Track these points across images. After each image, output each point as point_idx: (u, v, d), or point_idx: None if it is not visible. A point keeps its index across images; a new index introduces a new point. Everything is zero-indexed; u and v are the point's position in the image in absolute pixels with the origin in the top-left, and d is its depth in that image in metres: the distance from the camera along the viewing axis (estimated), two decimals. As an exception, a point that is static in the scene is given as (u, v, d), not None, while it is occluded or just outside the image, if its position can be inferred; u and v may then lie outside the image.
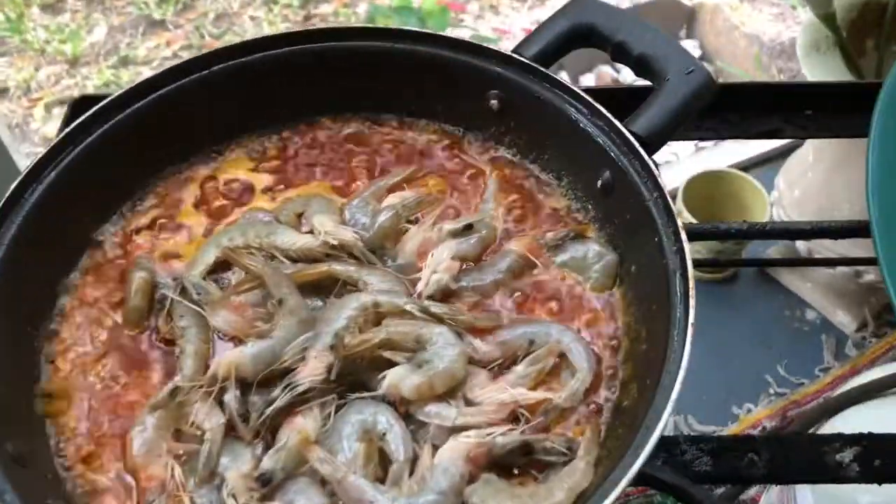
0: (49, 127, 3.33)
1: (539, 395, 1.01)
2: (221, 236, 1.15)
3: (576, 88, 1.16)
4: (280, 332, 1.03)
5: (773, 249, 2.32)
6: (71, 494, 0.95)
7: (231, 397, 1.00)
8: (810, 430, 1.59)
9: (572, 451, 0.96)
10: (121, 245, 1.18)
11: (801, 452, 1.05)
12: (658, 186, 1.05)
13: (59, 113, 3.31)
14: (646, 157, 1.08)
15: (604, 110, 1.13)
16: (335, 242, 1.12)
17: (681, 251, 0.99)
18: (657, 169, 1.07)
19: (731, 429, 2.03)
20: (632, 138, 1.09)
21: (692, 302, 0.95)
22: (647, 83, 1.17)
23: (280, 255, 1.13)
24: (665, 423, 0.87)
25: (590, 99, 1.15)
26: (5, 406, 0.95)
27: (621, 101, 1.16)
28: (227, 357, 1.01)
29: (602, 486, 0.85)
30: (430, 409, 0.99)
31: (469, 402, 1.00)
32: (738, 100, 1.37)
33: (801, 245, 2.24)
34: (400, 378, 0.99)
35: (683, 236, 1.00)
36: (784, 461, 1.06)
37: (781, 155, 2.53)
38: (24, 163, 2.11)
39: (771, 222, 2.10)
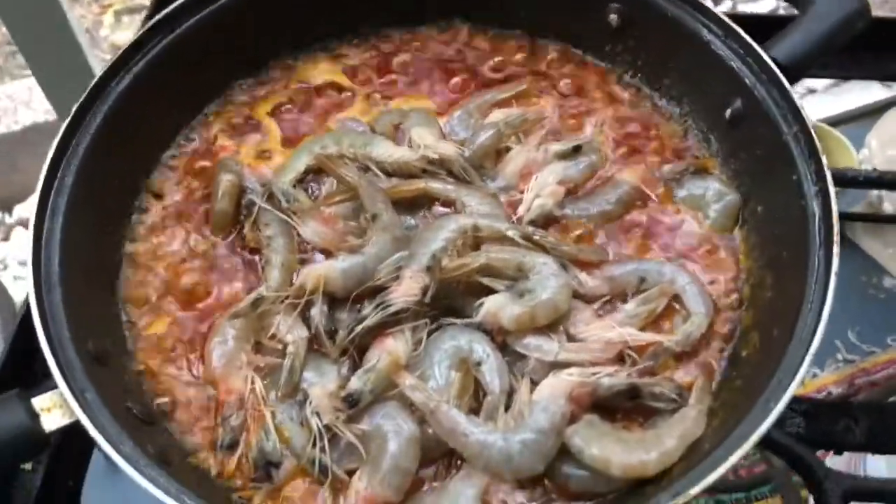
0: (118, 35, 3.29)
1: (649, 336, 0.93)
2: (314, 143, 1.08)
3: (708, 5, 1.05)
4: (373, 249, 0.96)
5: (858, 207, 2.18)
6: (148, 402, 0.91)
7: (317, 311, 0.94)
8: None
9: (682, 399, 0.89)
10: (206, 143, 1.12)
11: (905, 423, 0.96)
12: (800, 119, 0.95)
13: (129, 21, 3.27)
14: (787, 85, 0.97)
15: (740, 31, 1.02)
16: (435, 157, 1.04)
17: (824, 193, 0.89)
18: (799, 100, 0.95)
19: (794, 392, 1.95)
20: (771, 64, 0.98)
21: (836, 249, 0.85)
22: (789, 13, 1.06)
23: (375, 167, 1.05)
24: (801, 379, 0.79)
25: (724, 17, 1.03)
26: (86, 304, 0.90)
27: (760, 27, 1.04)
28: (316, 269, 0.95)
29: (727, 440, 0.77)
30: (529, 341, 0.91)
31: (571, 339, 0.92)
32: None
33: (887, 207, 2.10)
34: (499, 306, 0.91)
35: (828, 176, 0.89)
36: (884, 430, 0.99)
37: (875, 111, 2.36)
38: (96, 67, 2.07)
39: (864, 171, 1.97)
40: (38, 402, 0.79)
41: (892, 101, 2.23)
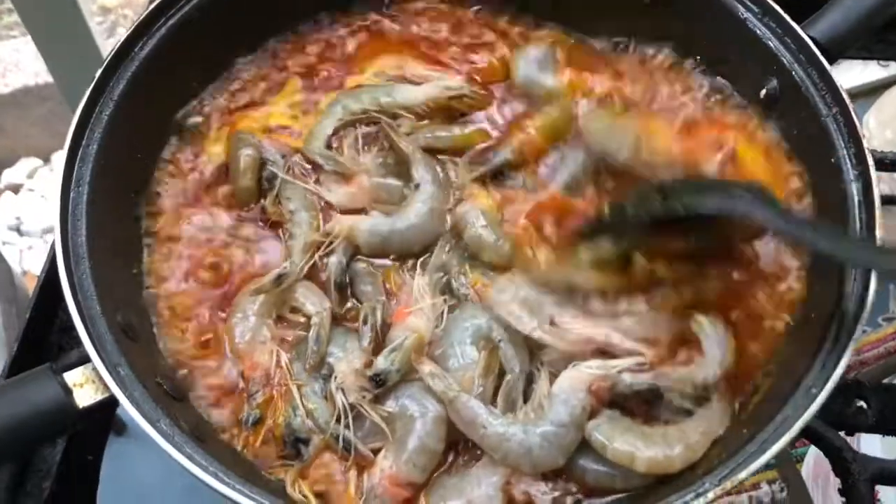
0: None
1: (631, 345, 0.88)
2: (336, 106, 1.06)
3: (744, -19, 1.03)
4: (409, 215, 0.97)
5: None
6: (175, 377, 0.89)
7: (335, 260, 0.95)
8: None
9: (700, 406, 0.87)
10: (225, 112, 1.09)
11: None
12: (839, 100, 0.93)
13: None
14: (826, 65, 0.95)
15: (778, 8, 1.00)
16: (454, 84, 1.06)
17: (865, 176, 0.88)
18: (838, 81, 0.94)
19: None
20: (810, 43, 0.97)
21: (878, 234, 0.85)
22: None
23: (405, 112, 1.05)
24: (846, 364, 0.79)
25: (761, -6, 1.01)
26: (112, 277, 0.88)
27: (798, 4, 1.02)
28: (348, 219, 0.97)
29: (770, 425, 0.77)
30: (512, 308, 0.90)
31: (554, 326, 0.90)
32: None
33: (884, 188, 2.11)
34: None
35: (870, 160, 0.89)
36: (894, 411, 0.99)
37: (873, 91, 2.34)
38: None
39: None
40: (71, 377, 0.76)
41: (890, 80, 2.21)
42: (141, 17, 0.97)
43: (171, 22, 1.00)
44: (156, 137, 1.03)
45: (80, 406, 0.75)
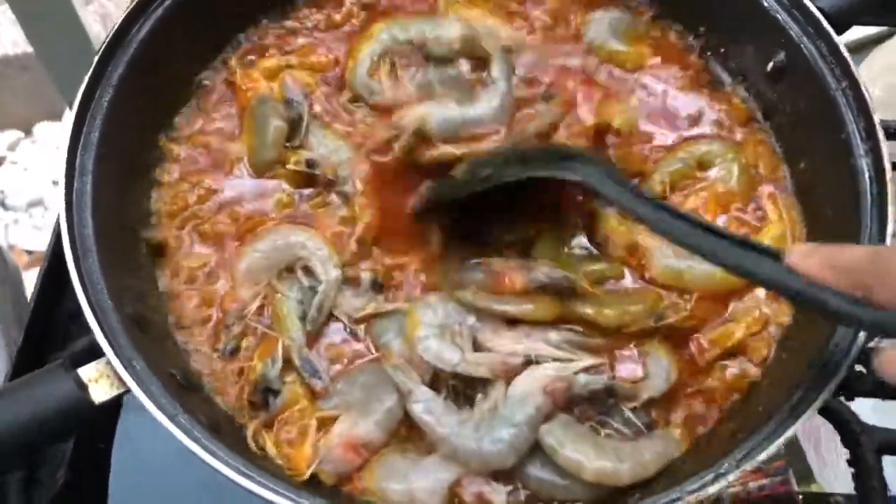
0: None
1: (560, 352, 0.87)
2: (382, 33, 1.06)
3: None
4: (482, 106, 1.00)
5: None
6: (188, 367, 0.89)
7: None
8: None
9: (647, 430, 0.87)
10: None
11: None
12: (849, 74, 0.93)
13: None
14: (835, 38, 0.94)
15: (786, -21, 0.99)
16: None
17: (875, 151, 0.88)
18: (848, 54, 0.93)
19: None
20: (818, 15, 0.96)
21: (891, 210, 0.85)
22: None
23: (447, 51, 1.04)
24: (859, 350, 0.79)
25: (769, -36, 1.00)
26: (120, 267, 0.87)
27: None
28: (418, 109, 0.98)
29: (788, 403, 0.78)
30: (430, 344, 0.88)
31: (478, 346, 0.89)
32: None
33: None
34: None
35: (881, 135, 0.88)
36: None
37: (863, 46, 2.31)
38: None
39: None
40: (85, 372, 0.76)
41: (880, 35, 2.18)
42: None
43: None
44: (160, 113, 1.01)
45: (97, 402, 0.75)
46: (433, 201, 0.96)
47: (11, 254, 2.56)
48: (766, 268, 0.67)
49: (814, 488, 1.46)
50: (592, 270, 0.94)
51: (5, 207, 2.93)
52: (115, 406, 0.80)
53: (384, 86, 1.03)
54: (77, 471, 0.94)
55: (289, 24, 1.10)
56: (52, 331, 0.99)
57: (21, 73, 2.82)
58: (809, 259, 0.64)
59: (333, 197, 1.00)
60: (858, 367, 1.02)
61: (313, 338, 0.91)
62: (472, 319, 0.90)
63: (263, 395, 0.87)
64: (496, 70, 1.02)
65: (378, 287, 0.93)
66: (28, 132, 3.00)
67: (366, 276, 0.94)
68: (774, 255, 0.68)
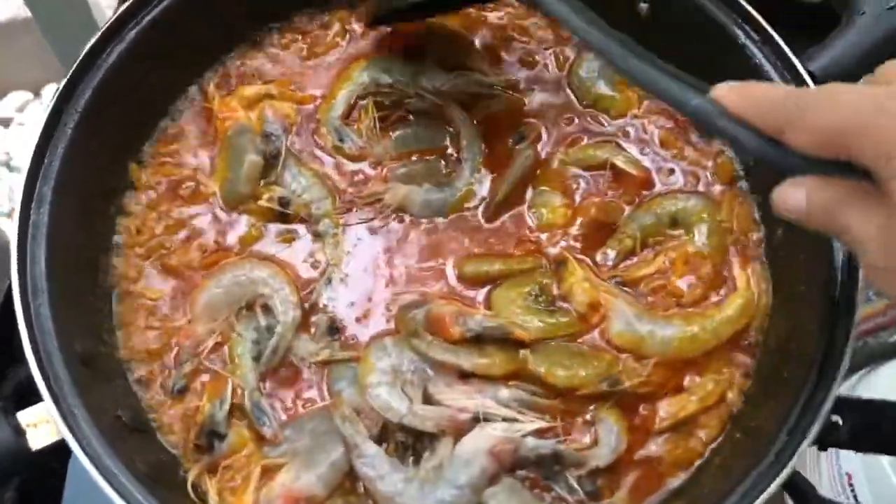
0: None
1: (506, 412, 0.86)
2: (363, 74, 1.04)
3: (746, 5, 0.98)
4: (458, 185, 1.00)
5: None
6: (137, 406, 0.88)
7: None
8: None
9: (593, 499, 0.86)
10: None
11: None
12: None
13: None
14: (822, 104, 0.91)
15: (778, 39, 0.95)
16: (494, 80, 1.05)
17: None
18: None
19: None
20: (808, 80, 0.92)
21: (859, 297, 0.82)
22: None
23: (429, 95, 1.02)
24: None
25: (762, 21, 0.96)
26: (72, 302, 0.86)
27: (797, 24, 0.98)
28: (403, 189, 0.98)
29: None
30: (380, 392, 0.87)
31: (428, 399, 0.87)
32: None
33: None
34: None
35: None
36: (866, 428, 0.94)
37: None
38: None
39: None
40: (25, 416, 0.75)
41: None
42: (107, 23, 0.92)
43: (143, 22, 0.95)
44: (125, 144, 1.00)
45: (34, 448, 0.75)
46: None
47: (10, 221, 2.58)
48: (693, 99, 0.65)
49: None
50: (550, 323, 0.92)
51: (10, 169, 2.94)
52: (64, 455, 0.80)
53: (360, 138, 1.01)
54: (27, 492, 0.95)
55: (272, 51, 1.07)
56: (6, 346, 0.98)
57: (28, 34, 2.80)
58: (732, 93, 0.63)
59: (303, 233, 0.99)
60: (834, 417, 1.02)
61: (265, 379, 0.91)
62: (426, 367, 0.89)
63: (209, 438, 0.86)
64: (465, 145, 1.01)
65: (334, 331, 0.93)
66: (36, 94, 3.00)
67: (322, 319, 0.93)
68: (703, 90, 0.65)
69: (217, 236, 0.98)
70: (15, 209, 2.37)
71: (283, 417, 0.89)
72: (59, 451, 0.93)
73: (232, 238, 0.98)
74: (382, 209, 0.98)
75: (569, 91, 1.07)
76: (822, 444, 1.08)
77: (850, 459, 1.43)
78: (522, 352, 0.89)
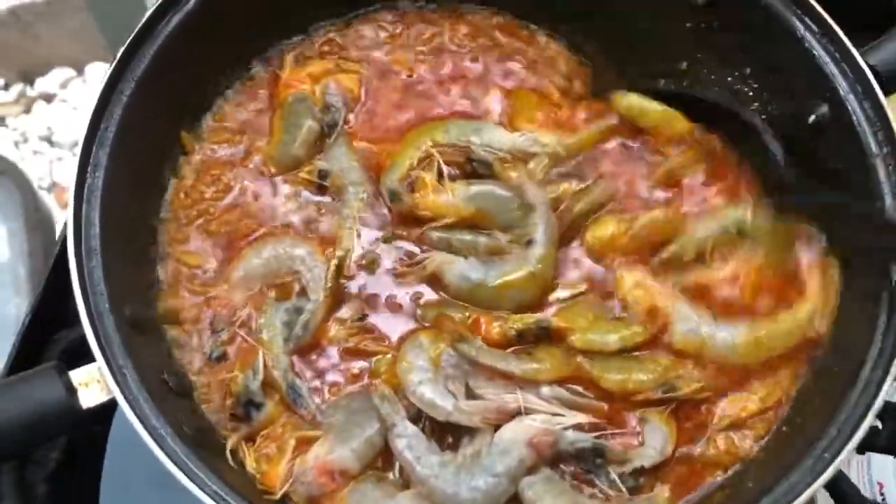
0: None
1: (548, 407, 0.86)
2: (422, 136, 1.01)
3: (808, -4, 0.96)
4: (510, 273, 0.92)
5: None
6: (182, 371, 0.89)
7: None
8: None
9: (634, 493, 0.86)
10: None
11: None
12: (892, 140, 0.88)
13: None
14: (882, 100, 0.90)
15: (839, 31, 0.93)
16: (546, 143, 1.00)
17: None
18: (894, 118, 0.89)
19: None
20: (868, 73, 0.91)
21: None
22: None
23: (486, 155, 0.98)
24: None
25: (823, 14, 0.94)
26: (124, 267, 0.87)
27: (855, 19, 0.96)
28: (441, 255, 0.93)
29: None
30: (423, 390, 0.87)
31: (470, 393, 0.87)
32: None
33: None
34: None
35: (921, 207, 0.84)
36: None
37: None
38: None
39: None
40: (77, 375, 0.77)
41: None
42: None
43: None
44: (180, 114, 1.01)
45: (84, 407, 0.76)
46: None
47: (52, 196, 2.61)
48: None
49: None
50: (626, 336, 0.91)
51: (52, 144, 2.98)
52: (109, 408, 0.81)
53: (405, 200, 0.97)
54: (72, 452, 0.96)
55: (351, 31, 1.08)
56: (61, 309, 1.00)
57: (76, 12, 2.84)
58: None
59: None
60: (875, 422, 1.00)
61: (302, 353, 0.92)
62: (465, 363, 0.89)
63: (246, 409, 0.87)
64: (538, 228, 0.93)
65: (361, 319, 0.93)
66: (80, 71, 3.04)
67: (346, 314, 0.94)
68: None
69: (259, 201, 0.99)
70: (57, 183, 2.40)
71: (318, 401, 0.90)
72: (104, 415, 0.96)
73: (272, 204, 0.99)
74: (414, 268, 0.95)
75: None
76: (860, 447, 1.07)
77: (882, 468, 1.41)
78: (580, 358, 0.89)
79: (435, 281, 0.94)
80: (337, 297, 0.93)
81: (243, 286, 0.94)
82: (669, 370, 0.89)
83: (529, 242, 0.92)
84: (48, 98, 3.05)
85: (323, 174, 0.97)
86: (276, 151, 1.01)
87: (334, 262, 0.93)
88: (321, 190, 0.99)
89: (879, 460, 1.43)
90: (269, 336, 0.90)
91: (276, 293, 0.94)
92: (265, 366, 0.88)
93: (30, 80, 2.99)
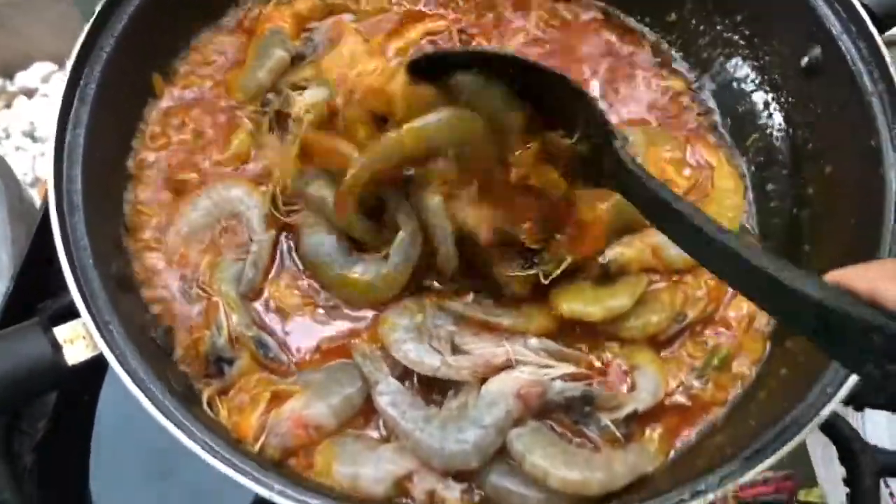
0: None
1: (536, 359, 0.84)
2: None
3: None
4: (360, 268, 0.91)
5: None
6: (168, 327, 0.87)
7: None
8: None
9: (624, 440, 0.84)
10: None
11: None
12: (887, 78, 0.87)
13: None
14: (877, 38, 0.89)
15: (832, -31, 0.92)
16: None
17: (909, 163, 0.83)
18: (889, 56, 0.88)
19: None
20: (862, 12, 0.90)
21: (918, 232, 0.80)
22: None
23: None
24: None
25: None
26: (106, 223, 0.86)
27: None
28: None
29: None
30: (409, 347, 0.85)
31: (457, 349, 0.86)
32: None
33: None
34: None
35: (917, 146, 0.83)
36: None
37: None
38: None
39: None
40: (61, 332, 0.74)
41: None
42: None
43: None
44: (154, 64, 0.99)
45: (70, 363, 0.73)
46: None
47: (35, 191, 2.58)
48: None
49: (814, 495, 1.43)
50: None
51: (34, 139, 2.94)
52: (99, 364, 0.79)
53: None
54: (59, 421, 0.94)
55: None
56: (43, 280, 0.98)
57: (53, 5, 2.80)
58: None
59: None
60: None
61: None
62: (449, 324, 0.87)
63: (217, 365, 0.85)
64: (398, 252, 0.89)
65: None
66: (61, 65, 3.00)
67: None
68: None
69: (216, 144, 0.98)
70: (40, 179, 2.35)
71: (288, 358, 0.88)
72: (91, 375, 0.93)
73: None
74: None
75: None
76: (859, 402, 1.05)
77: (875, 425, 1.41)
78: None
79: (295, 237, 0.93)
80: (280, 228, 0.93)
81: (194, 241, 0.92)
82: (675, 301, 0.89)
83: (386, 257, 0.89)
84: (29, 93, 3.01)
85: (265, 101, 0.96)
86: (242, 78, 1.00)
87: (269, 190, 0.92)
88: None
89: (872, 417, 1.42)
90: (225, 288, 0.89)
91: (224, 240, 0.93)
92: (227, 318, 0.86)
93: (9, 75, 2.94)
